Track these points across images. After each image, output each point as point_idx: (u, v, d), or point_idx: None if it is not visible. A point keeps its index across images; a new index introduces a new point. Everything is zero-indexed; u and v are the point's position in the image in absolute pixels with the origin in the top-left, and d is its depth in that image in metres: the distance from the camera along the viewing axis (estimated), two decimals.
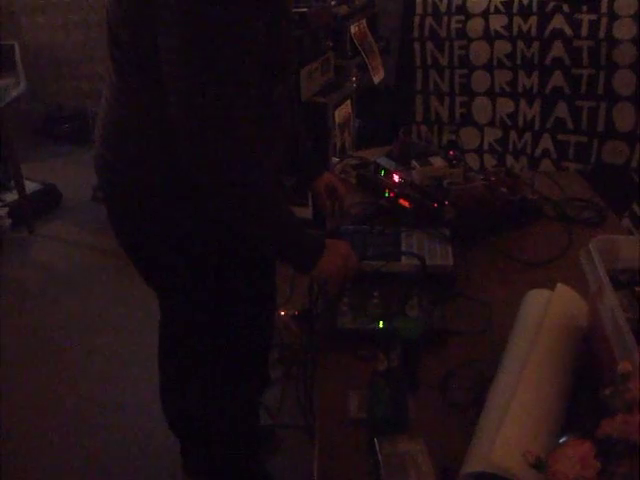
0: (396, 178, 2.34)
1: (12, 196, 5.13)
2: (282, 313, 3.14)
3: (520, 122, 4.08)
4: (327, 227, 2.30)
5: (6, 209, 5.01)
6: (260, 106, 1.74)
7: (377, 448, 1.28)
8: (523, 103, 4.06)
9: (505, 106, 4.11)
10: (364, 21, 4.25)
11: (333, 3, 4.10)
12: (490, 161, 4.12)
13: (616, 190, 3.67)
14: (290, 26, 1.91)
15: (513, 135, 4.12)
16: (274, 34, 1.73)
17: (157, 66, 1.62)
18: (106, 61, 1.85)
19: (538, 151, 4.07)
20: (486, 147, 4.19)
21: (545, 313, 1.54)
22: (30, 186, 5.20)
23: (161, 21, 1.57)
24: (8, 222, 4.93)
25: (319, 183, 2.33)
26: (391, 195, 2.31)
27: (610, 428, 0.94)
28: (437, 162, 2.36)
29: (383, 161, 2.47)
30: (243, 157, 1.63)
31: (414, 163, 2.36)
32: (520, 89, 4.04)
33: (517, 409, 1.27)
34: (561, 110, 3.96)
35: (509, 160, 4.13)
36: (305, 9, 3.68)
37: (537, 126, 4.04)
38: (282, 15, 1.79)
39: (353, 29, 4.06)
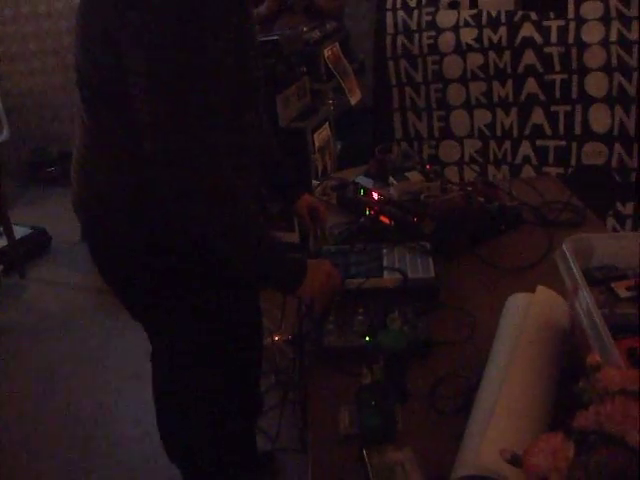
0: (375, 196, 2.37)
1: (1, 242, 5.14)
2: (276, 338, 3.15)
3: (498, 131, 4.12)
4: (310, 249, 2.33)
5: None
6: (231, 134, 1.77)
7: (366, 459, 1.30)
8: (500, 112, 4.09)
9: (482, 117, 4.14)
10: (337, 44, 4.30)
11: (305, 29, 4.15)
12: (472, 173, 4.14)
13: (599, 191, 3.72)
14: (257, 53, 1.94)
15: (492, 145, 4.15)
16: (241, 63, 1.77)
17: (126, 104, 1.65)
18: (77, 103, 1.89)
19: (518, 158, 4.10)
20: (467, 159, 4.22)
21: (526, 315, 1.56)
22: (19, 231, 5.21)
23: (127, 58, 1.61)
24: None
25: (300, 205, 2.36)
26: (372, 213, 2.34)
27: (584, 420, 0.96)
28: (414, 177, 2.40)
29: (362, 180, 2.50)
30: (219, 190, 1.66)
31: (391, 179, 2.39)
32: (496, 99, 4.07)
33: (502, 411, 1.30)
34: (537, 116, 4.00)
35: (491, 170, 4.16)
36: (276, 36, 3.73)
37: (515, 134, 4.07)
38: (248, 42, 1.82)
39: (326, 53, 4.10)
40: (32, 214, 5.90)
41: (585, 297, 1.36)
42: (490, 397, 1.36)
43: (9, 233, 4.99)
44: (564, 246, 1.56)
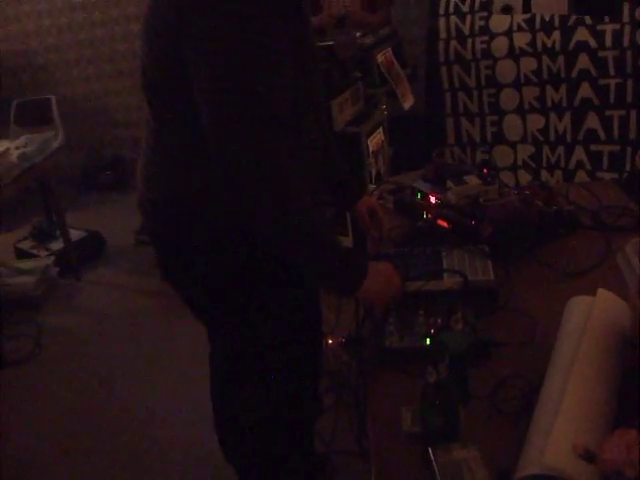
0: (433, 200, 2.39)
1: (58, 245, 5.28)
2: (330, 341, 3.17)
3: (552, 136, 4.10)
4: (368, 252, 2.34)
5: (53, 258, 5.14)
6: (293, 136, 1.80)
7: (432, 458, 1.32)
8: (553, 117, 4.07)
9: (536, 122, 4.13)
10: (390, 49, 4.30)
11: (358, 34, 4.17)
12: (525, 177, 4.13)
13: None
14: (316, 56, 1.98)
15: (546, 150, 4.14)
16: (300, 66, 1.80)
17: (190, 106, 1.69)
18: (143, 106, 1.93)
19: (572, 163, 4.08)
20: (520, 164, 4.21)
21: (588, 318, 1.57)
22: (75, 234, 5.32)
23: (193, 56, 1.65)
24: (55, 270, 5.05)
25: (360, 207, 2.37)
26: (429, 217, 2.35)
27: None
28: (472, 181, 2.41)
29: (419, 184, 2.51)
30: (283, 190, 1.69)
31: (449, 183, 2.40)
32: (549, 103, 4.06)
33: (566, 411, 1.31)
34: (592, 121, 3.97)
35: (544, 175, 4.14)
36: (331, 42, 3.75)
37: (569, 139, 4.05)
38: (307, 46, 1.86)
39: (379, 58, 4.11)
40: (87, 218, 6.00)
41: None
42: (554, 397, 1.37)
43: (65, 236, 5.10)
44: (627, 249, 1.57)
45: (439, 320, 1.78)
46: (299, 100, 1.84)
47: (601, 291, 1.67)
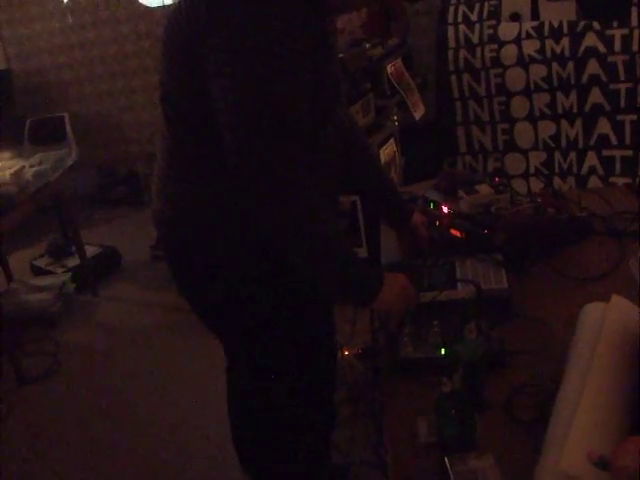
0: (445, 209, 2.40)
1: (74, 261, 5.31)
2: (346, 352, 3.18)
3: (563, 143, 4.10)
4: (382, 263, 2.35)
5: (69, 274, 5.17)
6: (312, 148, 1.81)
7: (448, 467, 1.33)
8: (564, 123, 4.07)
9: (547, 128, 4.13)
10: (399, 60, 4.33)
11: (368, 46, 4.19)
12: (537, 185, 4.13)
13: None
14: (337, 66, 1.99)
15: (558, 156, 4.13)
16: (322, 79, 1.82)
17: (207, 121, 1.72)
18: (155, 122, 1.95)
19: (584, 169, 4.07)
20: (532, 171, 4.21)
21: (602, 325, 1.57)
22: (90, 250, 5.37)
23: (212, 75, 1.67)
24: (72, 287, 5.08)
25: (416, 219, 2.37)
26: (442, 226, 2.36)
27: None
28: (483, 189, 2.42)
29: (431, 194, 2.53)
30: (301, 204, 1.71)
31: (461, 193, 2.41)
32: (560, 110, 4.06)
33: (582, 419, 1.31)
34: (603, 126, 3.97)
35: (556, 181, 4.14)
36: (341, 54, 3.78)
37: (581, 145, 4.05)
38: (328, 59, 1.87)
39: (389, 69, 4.14)
40: (102, 234, 6.05)
41: None
42: (569, 406, 1.37)
43: (81, 252, 5.13)
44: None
45: (453, 330, 1.79)
46: (321, 111, 1.86)
47: (615, 298, 1.67)
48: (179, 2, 1.82)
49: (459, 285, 1.99)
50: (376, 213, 2.43)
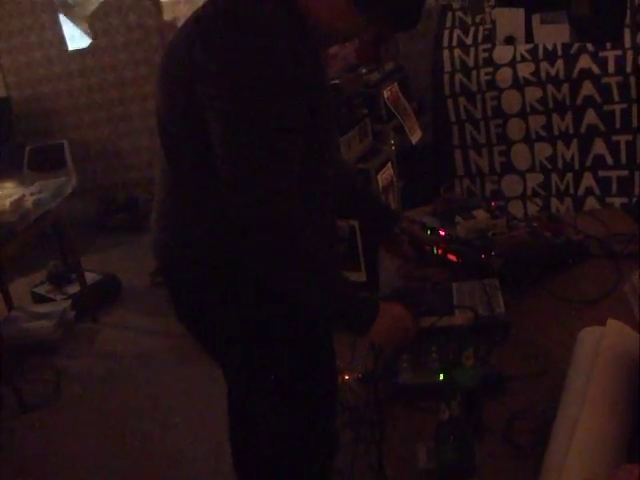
0: (442, 234, 2.42)
1: (74, 288, 5.30)
2: (346, 377, 3.18)
3: (560, 164, 4.13)
4: (379, 287, 2.37)
5: (69, 301, 5.16)
6: (307, 179, 1.83)
7: None
8: (560, 145, 4.11)
9: (543, 150, 4.16)
10: (395, 84, 4.35)
11: (364, 71, 4.22)
12: (535, 206, 4.16)
13: None
14: (329, 97, 2.01)
15: (555, 178, 4.17)
16: (315, 110, 1.83)
17: (204, 152, 1.74)
18: (154, 148, 1.97)
19: (581, 190, 4.11)
20: (529, 193, 4.24)
21: (598, 349, 1.59)
22: (90, 277, 5.36)
23: (207, 107, 1.70)
24: (72, 314, 5.07)
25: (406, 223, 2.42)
26: (439, 252, 2.38)
27: None
28: (480, 215, 2.43)
29: (428, 220, 2.54)
30: (295, 236, 1.73)
31: (458, 218, 2.43)
32: (556, 132, 4.10)
33: (579, 445, 1.32)
34: (599, 147, 4.01)
35: (554, 203, 4.17)
36: (337, 80, 3.80)
37: (577, 166, 4.08)
38: (321, 90, 1.90)
39: (386, 94, 4.16)
40: (103, 260, 6.04)
41: None
42: (566, 431, 1.39)
43: (81, 280, 5.13)
44: (634, 279, 1.58)
45: (450, 357, 1.80)
46: (315, 141, 1.88)
47: (611, 321, 1.68)
48: (177, 32, 1.85)
49: (457, 311, 2.00)
50: (373, 237, 2.44)
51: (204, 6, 1.82)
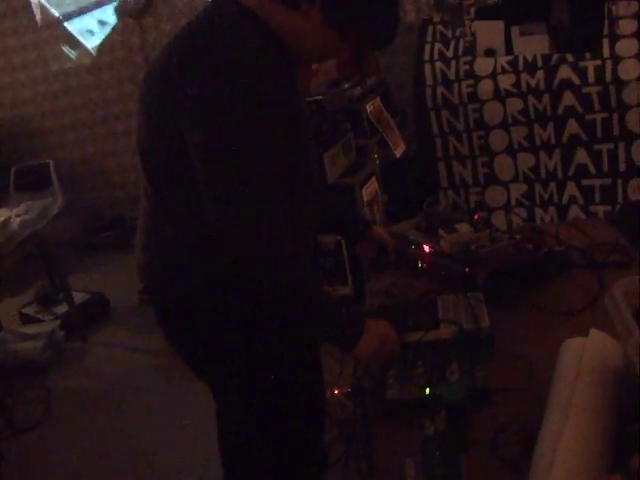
0: (427, 249, 2.43)
1: (62, 308, 5.31)
2: (336, 391, 3.18)
3: (543, 174, 4.17)
4: (367, 305, 2.38)
5: (58, 321, 5.15)
6: (290, 200, 1.84)
7: None
8: (543, 155, 4.15)
9: (526, 160, 4.20)
10: (378, 99, 4.37)
11: (346, 86, 4.24)
12: (519, 215, 4.19)
13: None
14: (308, 119, 2.03)
15: (538, 187, 4.20)
16: (295, 134, 1.85)
17: (187, 177, 1.75)
18: (140, 173, 1.98)
19: (565, 199, 4.14)
20: (513, 203, 4.27)
21: (581, 360, 1.60)
22: (78, 297, 5.37)
23: (189, 136, 1.71)
24: (61, 334, 5.07)
25: (375, 232, 2.44)
26: (424, 266, 2.39)
27: None
28: (463, 228, 2.45)
29: (412, 234, 2.56)
30: (278, 257, 1.75)
31: (441, 232, 2.45)
32: (538, 142, 4.13)
33: (563, 456, 1.34)
34: (581, 156, 4.04)
35: (538, 212, 4.20)
36: (320, 96, 3.83)
37: (560, 175, 4.12)
38: (300, 113, 1.91)
39: (369, 108, 4.18)
40: (90, 279, 6.05)
41: (637, 340, 1.40)
42: (551, 443, 1.40)
43: (69, 299, 5.13)
44: (614, 291, 1.60)
45: (436, 372, 1.82)
46: (297, 164, 1.90)
47: (593, 332, 1.69)
48: (159, 55, 1.85)
49: (442, 325, 2.02)
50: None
51: (184, 31, 1.83)
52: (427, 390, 1.77)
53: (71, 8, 6.50)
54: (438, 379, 1.78)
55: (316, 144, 2.12)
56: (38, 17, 6.55)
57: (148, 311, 2.16)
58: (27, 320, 5.41)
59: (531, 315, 2.15)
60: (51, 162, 6.25)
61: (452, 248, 2.36)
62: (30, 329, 5.11)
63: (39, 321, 5.30)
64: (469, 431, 1.63)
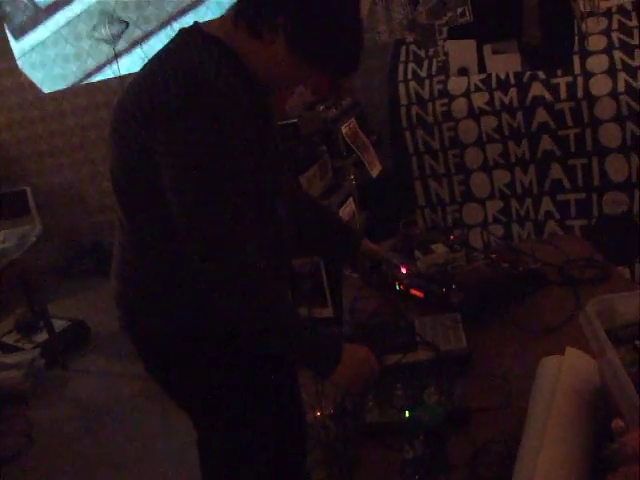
0: (404, 270, 2.45)
1: (42, 336, 5.30)
2: (318, 413, 3.18)
3: (518, 190, 4.20)
4: (345, 328, 2.39)
5: (38, 350, 5.12)
6: (262, 222, 1.87)
7: None
8: (518, 171, 4.18)
9: (501, 177, 4.23)
10: (353, 119, 4.40)
11: (322, 108, 4.27)
12: (496, 232, 4.22)
13: (623, 239, 3.77)
14: (278, 142, 2.05)
15: (514, 204, 4.23)
16: (264, 157, 1.87)
17: (158, 205, 1.77)
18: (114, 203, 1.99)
19: (541, 215, 4.17)
20: (490, 220, 4.29)
21: (557, 379, 1.61)
22: (58, 324, 5.36)
23: (160, 164, 1.73)
24: (42, 362, 5.03)
25: (367, 245, 2.45)
26: (402, 287, 2.41)
27: None
28: (439, 249, 2.47)
29: (389, 256, 2.57)
30: (252, 283, 1.76)
31: (418, 253, 2.46)
32: (513, 159, 4.17)
33: (541, 475, 1.35)
34: (555, 172, 4.08)
35: (515, 228, 4.23)
36: (295, 120, 3.84)
37: (535, 191, 4.15)
38: (268, 136, 1.93)
39: (344, 130, 4.21)
40: (71, 306, 6.04)
41: (611, 359, 1.41)
42: (530, 461, 1.41)
43: (49, 327, 5.12)
44: (587, 309, 1.61)
45: (414, 394, 1.83)
46: (266, 186, 1.91)
47: (569, 349, 1.71)
48: (129, 85, 1.87)
49: (419, 347, 2.03)
50: (337, 270, 2.48)
51: (153, 60, 1.85)
52: (407, 413, 1.77)
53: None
54: (417, 401, 1.78)
55: (291, 166, 2.14)
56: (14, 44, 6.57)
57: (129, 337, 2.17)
58: (7, 349, 5.37)
59: (508, 334, 2.16)
60: (28, 189, 6.21)
61: (429, 269, 2.37)
62: (10, 358, 5.07)
63: (19, 350, 5.27)
64: (448, 452, 1.64)
